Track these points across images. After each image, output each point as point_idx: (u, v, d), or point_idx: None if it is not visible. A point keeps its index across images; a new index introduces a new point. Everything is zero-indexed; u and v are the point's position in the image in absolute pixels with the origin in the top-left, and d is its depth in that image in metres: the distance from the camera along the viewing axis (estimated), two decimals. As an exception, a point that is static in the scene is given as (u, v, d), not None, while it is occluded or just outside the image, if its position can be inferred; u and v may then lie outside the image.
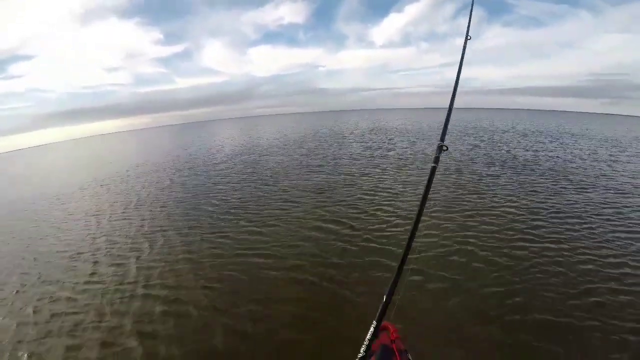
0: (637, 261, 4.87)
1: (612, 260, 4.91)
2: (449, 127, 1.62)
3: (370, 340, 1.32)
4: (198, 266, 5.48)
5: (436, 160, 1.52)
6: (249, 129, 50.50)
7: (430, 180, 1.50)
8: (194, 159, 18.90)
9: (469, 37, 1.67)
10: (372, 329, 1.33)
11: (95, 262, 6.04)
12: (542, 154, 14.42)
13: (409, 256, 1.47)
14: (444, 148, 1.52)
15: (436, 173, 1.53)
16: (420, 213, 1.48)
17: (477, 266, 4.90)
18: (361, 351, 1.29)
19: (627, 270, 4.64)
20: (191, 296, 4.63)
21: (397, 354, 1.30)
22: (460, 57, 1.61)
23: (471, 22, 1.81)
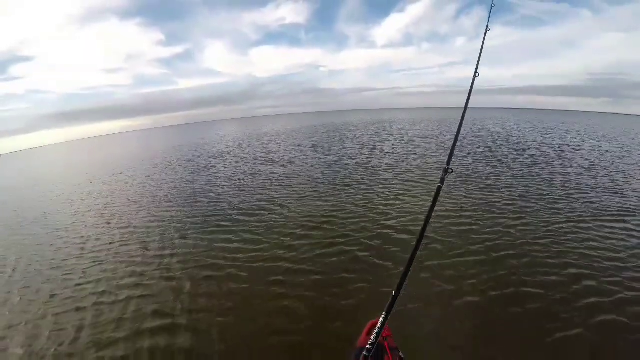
0: None
1: None
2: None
3: (380, 329, 1.37)
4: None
5: (442, 181, 1.71)
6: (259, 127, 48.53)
7: (435, 198, 1.69)
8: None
9: (477, 75, 1.82)
10: (381, 319, 1.39)
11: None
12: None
13: (417, 253, 1.56)
14: (450, 171, 1.72)
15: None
16: (426, 223, 1.70)
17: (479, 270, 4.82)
18: (372, 338, 1.33)
19: None
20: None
21: (388, 351, 1.35)
22: (469, 89, 1.78)
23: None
